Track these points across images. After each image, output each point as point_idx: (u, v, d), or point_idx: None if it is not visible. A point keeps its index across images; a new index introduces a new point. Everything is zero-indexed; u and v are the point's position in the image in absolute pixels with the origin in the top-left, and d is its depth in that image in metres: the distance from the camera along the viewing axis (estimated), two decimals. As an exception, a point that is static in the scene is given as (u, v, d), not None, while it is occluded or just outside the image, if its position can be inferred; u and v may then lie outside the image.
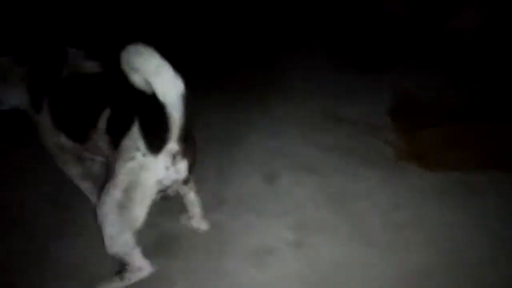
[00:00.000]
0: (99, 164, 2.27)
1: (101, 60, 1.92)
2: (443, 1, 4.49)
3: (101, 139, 1.67)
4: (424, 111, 3.38)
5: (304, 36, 4.77)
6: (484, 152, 2.87)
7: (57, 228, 2.27)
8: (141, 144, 1.46)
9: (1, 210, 2.41)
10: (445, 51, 4.27)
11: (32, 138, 2.13)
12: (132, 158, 1.47)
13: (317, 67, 4.16)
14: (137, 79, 1.36)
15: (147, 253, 1.83)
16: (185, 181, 1.72)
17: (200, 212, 2.16)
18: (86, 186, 2.25)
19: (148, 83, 1.33)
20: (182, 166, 1.53)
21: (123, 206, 1.52)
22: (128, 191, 1.49)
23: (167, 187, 1.58)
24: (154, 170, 1.47)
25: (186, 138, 1.51)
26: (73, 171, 2.15)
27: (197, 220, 2.19)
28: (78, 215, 2.30)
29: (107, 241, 1.59)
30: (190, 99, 1.44)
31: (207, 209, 2.41)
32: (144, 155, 1.46)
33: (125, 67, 1.33)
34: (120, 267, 1.79)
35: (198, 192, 2.17)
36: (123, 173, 1.49)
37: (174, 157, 1.48)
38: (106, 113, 1.64)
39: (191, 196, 2.05)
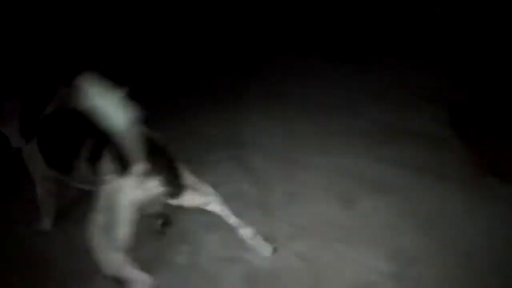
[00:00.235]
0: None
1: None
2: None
3: (84, 168, 1.80)
4: (483, 120, 3.25)
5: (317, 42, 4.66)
6: None
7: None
8: (112, 168, 1.59)
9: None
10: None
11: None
12: (107, 182, 1.60)
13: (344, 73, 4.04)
14: (89, 108, 1.41)
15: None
16: (173, 195, 1.78)
17: (248, 230, 2.11)
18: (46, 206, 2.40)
19: (99, 112, 1.40)
20: (154, 183, 1.62)
21: (107, 229, 1.60)
22: (108, 214, 1.60)
23: (146, 205, 1.66)
24: (126, 191, 1.57)
25: (155, 157, 1.61)
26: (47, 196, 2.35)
27: (256, 241, 2.12)
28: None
29: (101, 265, 1.65)
30: (148, 121, 1.58)
31: (287, 239, 2.28)
32: (115, 178, 1.58)
33: (78, 97, 1.38)
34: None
35: (269, 219, 2.16)
36: (102, 196, 1.62)
37: (142, 176, 1.57)
38: (87, 144, 1.78)
39: (215, 209, 2.03)
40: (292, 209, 2.51)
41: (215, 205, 2.01)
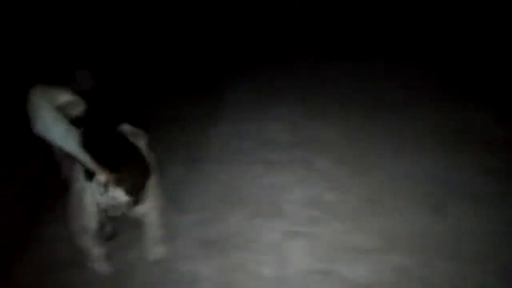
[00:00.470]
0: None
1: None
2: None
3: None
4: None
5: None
6: None
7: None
8: (81, 172, 1.71)
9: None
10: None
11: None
12: (77, 181, 1.74)
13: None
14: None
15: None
16: (137, 204, 1.80)
17: (154, 238, 2.08)
18: None
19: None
20: (117, 192, 1.67)
21: (77, 219, 1.82)
22: (77, 208, 1.78)
23: (108, 209, 1.74)
24: (89, 193, 1.69)
25: (127, 166, 1.69)
26: None
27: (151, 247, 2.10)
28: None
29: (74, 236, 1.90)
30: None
31: (381, 252, 2.12)
32: (82, 180, 1.70)
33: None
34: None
35: (354, 229, 2.09)
36: (73, 192, 1.79)
37: (105, 185, 1.65)
38: None
39: (150, 219, 2.00)
40: (376, 218, 2.35)
41: (153, 214, 1.98)
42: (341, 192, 2.54)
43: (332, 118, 3.35)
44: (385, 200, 2.47)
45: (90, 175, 1.65)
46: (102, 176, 1.64)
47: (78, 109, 1.62)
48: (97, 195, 1.68)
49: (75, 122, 1.61)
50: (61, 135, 1.52)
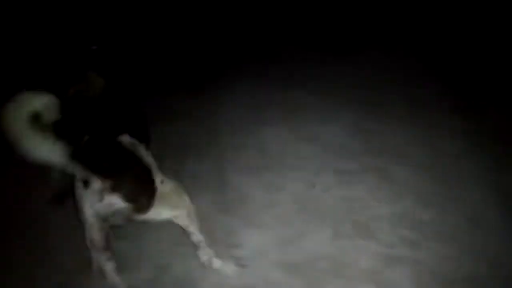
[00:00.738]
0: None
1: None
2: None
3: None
4: None
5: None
6: None
7: None
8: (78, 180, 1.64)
9: None
10: None
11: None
12: (78, 187, 1.65)
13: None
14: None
15: None
16: (139, 210, 1.70)
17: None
18: None
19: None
20: (114, 199, 1.61)
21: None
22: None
23: (109, 216, 1.67)
24: (87, 200, 1.63)
25: (122, 172, 1.64)
26: None
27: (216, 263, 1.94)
28: None
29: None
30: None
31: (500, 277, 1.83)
32: (81, 187, 1.63)
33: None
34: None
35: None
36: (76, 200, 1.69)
37: (101, 192, 1.60)
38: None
39: (182, 223, 1.88)
40: (481, 239, 2.06)
41: (182, 219, 1.85)
42: (433, 208, 2.24)
43: (397, 119, 3.04)
44: (491, 218, 2.18)
45: (86, 182, 1.60)
46: (96, 183, 1.59)
47: (56, 112, 1.48)
48: (94, 202, 1.62)
49: (55, 127, 1.49)
50: (46, 151, 1.43)
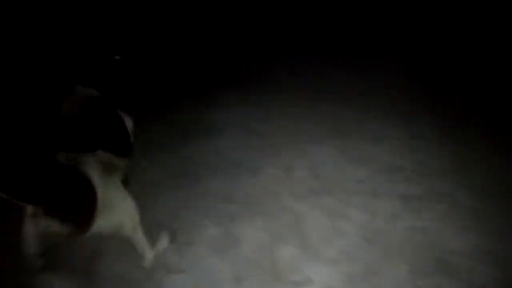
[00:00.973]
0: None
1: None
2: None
3: None
4: None
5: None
6: None
7: None
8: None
9: None
10: None
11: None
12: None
13: None
14: None
15: None
16: (80, 227, 1.65)
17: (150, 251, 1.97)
18: None
19: None
20: (49, 222, 1.58)
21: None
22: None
23: (46, 238, 1.63)
24: (28, 224, 1.60)
25: (47, 200, 1.58)
26: None
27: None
28: None
29: None
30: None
31: None
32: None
33: None
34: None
35: None
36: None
37: (34, 216, 1.57)
38: None
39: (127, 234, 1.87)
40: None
41: (127, 231, 1.84)
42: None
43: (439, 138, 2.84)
44: None
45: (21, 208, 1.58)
46: (30, 207, 1.57)
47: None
48: (33, 225, 1.60)
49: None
50: None
